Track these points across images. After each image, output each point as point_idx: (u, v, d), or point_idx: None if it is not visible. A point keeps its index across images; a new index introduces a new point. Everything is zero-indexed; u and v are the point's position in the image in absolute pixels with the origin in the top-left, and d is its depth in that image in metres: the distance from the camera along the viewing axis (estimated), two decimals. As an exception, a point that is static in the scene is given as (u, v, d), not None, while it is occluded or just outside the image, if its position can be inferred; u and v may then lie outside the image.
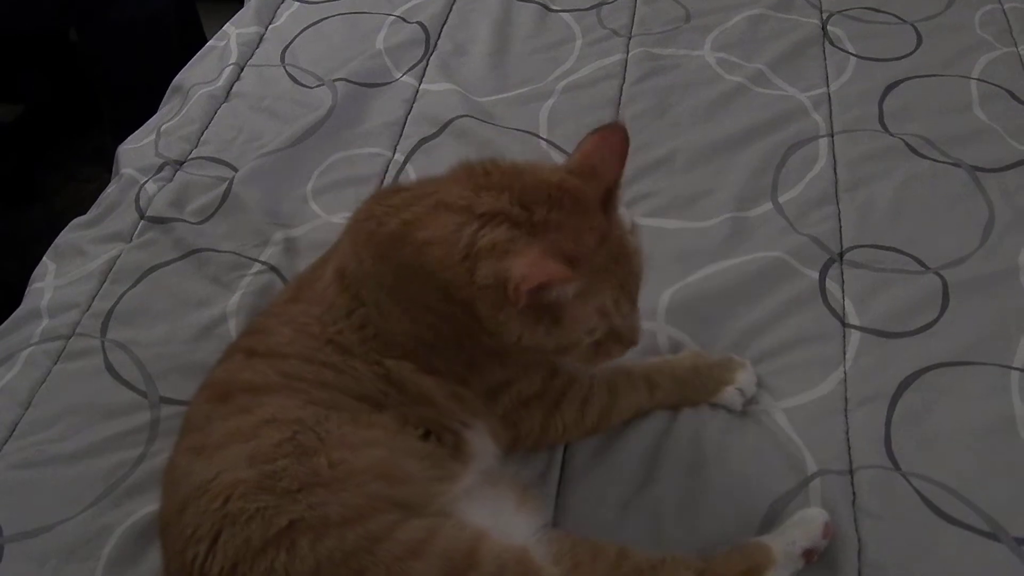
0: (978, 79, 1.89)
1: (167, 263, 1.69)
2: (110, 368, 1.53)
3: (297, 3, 2.30)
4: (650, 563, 1.19)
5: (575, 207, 1.16)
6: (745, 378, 1.40)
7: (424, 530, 1.08)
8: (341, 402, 1.21)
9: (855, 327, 1.48)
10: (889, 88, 1.89)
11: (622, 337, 1.23)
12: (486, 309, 1.15)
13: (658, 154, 1.80)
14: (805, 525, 1.24)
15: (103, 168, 1.97)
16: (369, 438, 1.18)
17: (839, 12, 2.11)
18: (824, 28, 2.07)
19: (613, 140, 1.22)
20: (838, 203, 1.67)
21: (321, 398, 1.20)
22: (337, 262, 1.30)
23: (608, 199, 1.19)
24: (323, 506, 1.07)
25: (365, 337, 1.25)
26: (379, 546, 1.05)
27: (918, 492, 1.28)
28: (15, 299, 1.71)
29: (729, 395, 1.39)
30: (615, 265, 1.17)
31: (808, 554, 1.22)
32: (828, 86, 1.91)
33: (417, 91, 2.01)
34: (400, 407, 1.23)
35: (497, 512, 1.20)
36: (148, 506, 1.33)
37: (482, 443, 1.28)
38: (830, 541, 1.23)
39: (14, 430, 1.46)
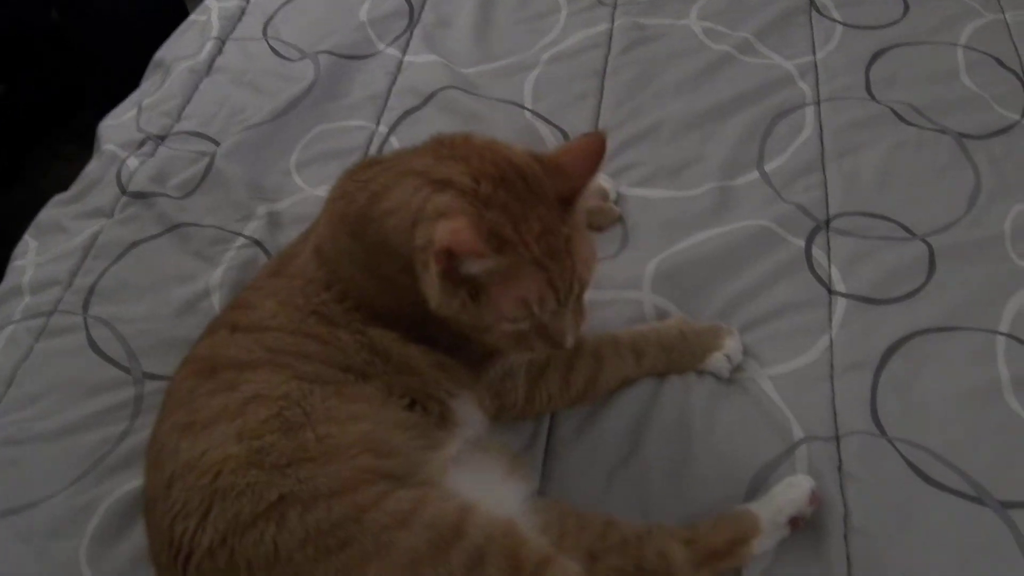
0: (965, 46, 1.88)
1: (149, 238, 1.68)
2: (93, 344, 1.53)
3: (279, -25, 2.28)
4: (636, 533, 1.20)
5: (526, 192, 1.15)
6: (732, 344, 1.39)
7: (410, 501, 1.08)
8: (326, 374, 1.21)
9: (841, 294, 1.47)
10: (876, 56, 1.88)
11: (548, 336, 1.21)
12: (419, 270, 1.15)
13: (644, 124, 1.79)
14: (792, 493, 1.24)
15: (87, 147, 1.96)
16: (355, 412, 1.18)
17: (825, -20, 2.10)
18: (810, -4, 2.06)
19: (591, 146, 1.20)
20: (824, 171, 1.66)
21: (306, 371, 1.21)
22: (315, 239, 1.31)
23: (570, 199, 1.17)
24: (312, 480, 1.07)
25: (347, 309, 1.26)
26: (366, 516, 1.05)
27: (904, 457, 1.28)
28: (-2, 278, 1.69)
29: (716, 361, 1.39)
30: (551, 261, 1.14)
31: (794, 522, 1.22)
32: (815, 54, 1.90)
33: (401, 63, 2.00)
34: (385, 376, 1.24)
35: (485, 481, 1.21)
36: (133, 482, 1.33)
37: (468, 412, 1.29)
38: (816, 508, 1.23)
39: (-3, 407, 1.45)
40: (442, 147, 1.22)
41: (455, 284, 1.12)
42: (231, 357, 1.23)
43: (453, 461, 1.21)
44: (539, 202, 1.15)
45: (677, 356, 1.39)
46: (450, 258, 1.08)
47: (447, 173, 1.15)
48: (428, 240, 1.10)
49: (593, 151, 1.19)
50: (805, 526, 1.22)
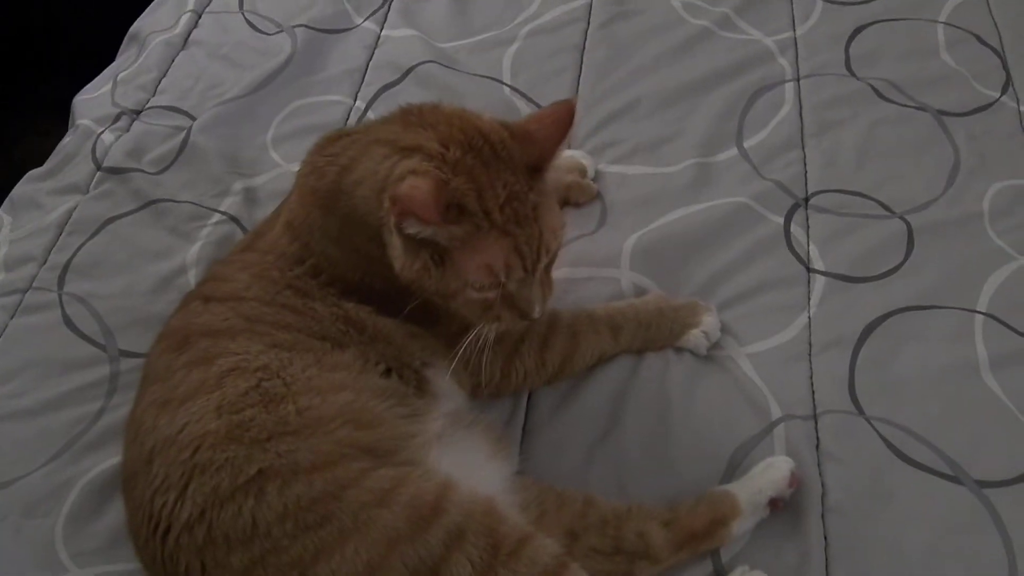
0: (945, 23, 1.87)
1: (125, 214, 1.67)
2: (68, 322, 1.52)
3: (255, -52, 2.25)
4: (616, 512, 1.20)
5: (493, 159, 1.14)
6: (710, 321, 1.39)
7: (391, 480, 1.08)
8: (303, 342, 1.21)
9: (820, 272, 1.47)
10: (856, 32, 1.87)
11: (516, 305, 1.20)
12: (386, 236, 1.16)
13: (623, 99, 1.78)
14: (771, 474, 1.24)
15: (62, 121, 1.94)
16: (335, 382, 1.17)
17: (806, -45, 2.09)
18: (790, -29, 2.05)
19: (559, 114, 1.19)
20: (804, 148, 1.66)
21: (283, 339, 1.20)
22: (287, 215, 1.30)
23: (539, 166, 1.17)
24: (292, 453, 1.07)
25: (321, 283, 1.26)
26: (346, 493, 1.05)
27: (881, 436, 1.29)
28: (-27, 254, 1.67)
29: (694, 338, 1.39)
30: (517, 228, 1.14)
31: (774, 503, 1.23)
32: (795, 30, 1.89)
33: (378, 37, 1.98)
34: (360, 345, 1.24)
35: (469, 460, 1.21)
36: (109, 460, 1.33)
37: (444, 383, 1.29)
38: (796, 489, 1.24)
39: (-29, 386, 1.44)
40: (410, 115, 1.22)
41: (417, 247, 1.12)
42: (204, 325, 1.23)
43: (437, 438, 1.21)
44: (506, 169, 1.14)
45: (655, 332, 1.39)
46: (400, 215, 1.08)
47: (415, 140, 1.15)
48: (392, 201, 1.10)
49: (562, 118, 1.19)
50: (784, 507, 1.23)
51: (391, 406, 1.19)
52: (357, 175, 1.19)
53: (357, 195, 1.18)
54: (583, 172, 1.63)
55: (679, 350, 1.40)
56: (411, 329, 1.27)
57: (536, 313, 1.21)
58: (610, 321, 1.38)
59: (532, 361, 1.34)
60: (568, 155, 1.63)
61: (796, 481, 1.24)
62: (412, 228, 1.09)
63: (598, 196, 1.62)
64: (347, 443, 1.11)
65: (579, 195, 1.61)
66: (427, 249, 1.13)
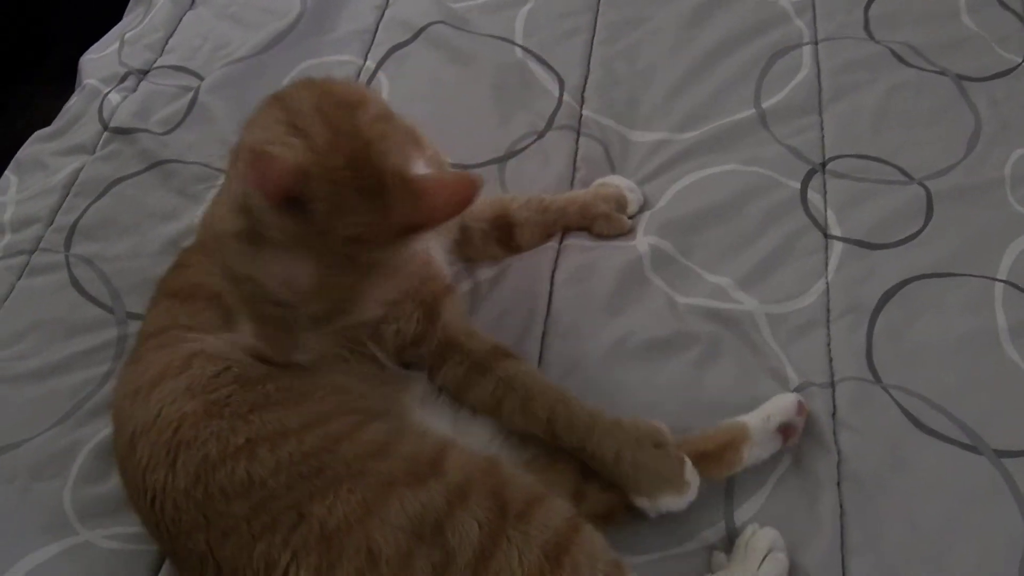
0: (966, -15, 1.84)
1: (132, 175, 1.66)
2: (75, 283, 1.51)
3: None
4: (630, 419, 1.21)
5: (368, 195, 1.01)
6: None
7: (386, 433, 1.07)
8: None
9: (837, 238, 1.45)
10: (875, -7, 1.84)
11: (277, 339, 1.11)
12: None
13: (637, 61, 1.76)
14: (779, 402, 1.25)
15: (67, 85, 1.92)
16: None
17: (824, -85, 2.05)
18: (809, -68, 2.01)
19: (460, 186, 1.03)
20: (821, 112, 1.63)
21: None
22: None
23: (411, 229, 1.04)
24: (279, 420, 1.06)
25: None
26: (339, 446, 1.05)
27: (898, 404, 1.27)
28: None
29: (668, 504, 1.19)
30: (339, 271, 1.03)
31: (785, 431, 1.23)
32: (812, -9, 1.86)
33: (389, -4, 1.95)
34: None
35: (459, 418, 1.22)
36: (115, 423, 1.32)
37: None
38: (806, 419, 1.24)
39: (-22, 348, 1.44)
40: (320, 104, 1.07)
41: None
42: (180, 325, 1.21)
43: (420, 402, 1.21)
44: (376, 211, 1.02)
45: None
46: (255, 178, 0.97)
47: (311, 128, 1.03)
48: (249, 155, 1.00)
49: (463, 194, 1.03)
50: (798, 439, 1.24)
51: (373, 386, 1.19)
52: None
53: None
54: (621, 204, 1.52)
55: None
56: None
57: (288, 359, 1.12)
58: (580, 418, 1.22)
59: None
60: (613, 181, 1.55)
61: (805, 410, 1.24)
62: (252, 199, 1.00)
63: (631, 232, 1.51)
64: (337, 406, 1.11)
65: (606, 228, 1.50)
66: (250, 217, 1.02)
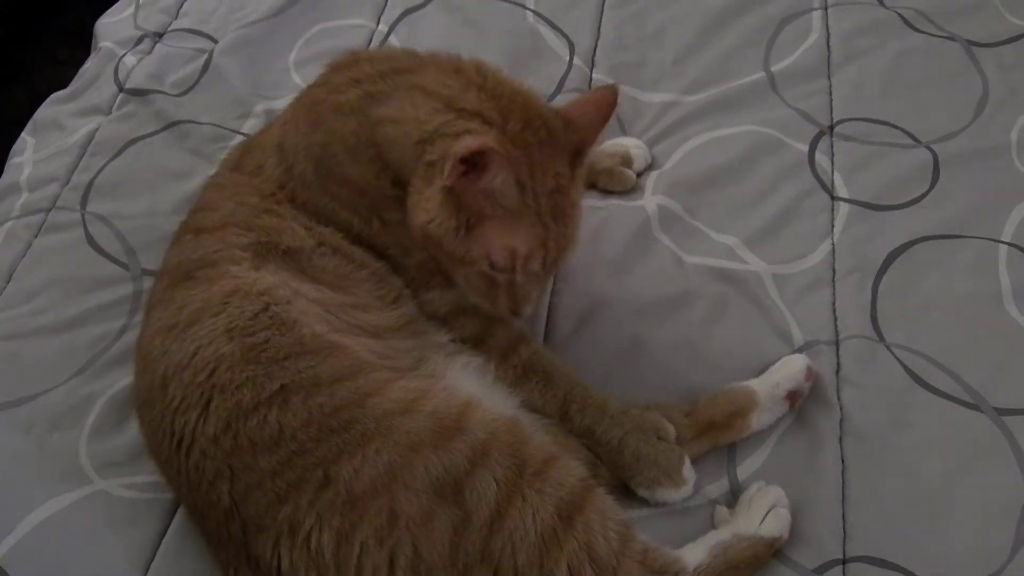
0: (976, -50, 1.84)
1: (147, 135, 1.67)
2: (91, 241, 1.52)
3: None
4: (638, 408, 1.23)
5: (549, 144, 1.13)
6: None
7: (413, 391, 1.09)
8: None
9: (844, 199, 1.46)
10: (885, -40, 1.84)
11: (512, 295, 1.19)
12: (417, 185, 1.14)
13: (647, 25, 1.77)
14: (788, 368, 1.26)
15: (83, 47, 1.94)
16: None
17: None
18: None
19: (602, 100, 1.18)
20: (830, 77, 1.64)
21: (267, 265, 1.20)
22: (279, 136, 1.29)
23: (579, 152, 1.16)
24: (312, 368, 1.08)
25: (296, 207, 1.25)
26: (369, 400, 1.06)
27: (901, 363, 1.28)
28: (-4, 178, 1.68)
29: (663, 494, 1.21)
30: (553, 223, 1.14)
31: (792, 396, 1.24)
32: (823, -44, 1.86)
33: (402, -40, 1.95)
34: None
35: (483, 378, 1.22)
36: (131, 376, 1.33)
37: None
38: (813, 384, 1.26)
39: (-4, 303, 1.46)
40: (466, 73, 1.19)
41: (458, 205, 1.12)
42: (202, 258, 1.22)
43: (450, 357, 1.21)
44: (558, 157, 1.14)
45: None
46: (467, 172, 1.07)
47: (476, 106, 1.14)
48: (444, 153, 1.09)
49: (605, 107, 1.17)
50: (803, 402, 1.26)
51: (404, 324, 1.22)
52: (389, 112, 1.17)
53: (381, 131, 1.17)
54: (627, 161, 1.54)
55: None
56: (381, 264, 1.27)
57: (525, 313, 1.21)
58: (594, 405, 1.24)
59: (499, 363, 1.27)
60: (618, 141, 1.57)
61: (813, 375, 1.25)
62: (486, 181, 1.08)
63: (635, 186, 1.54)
64: (366, 360, 1.12)
65: (611, 183, 1.53)
66: (467, 212, 1.12)
